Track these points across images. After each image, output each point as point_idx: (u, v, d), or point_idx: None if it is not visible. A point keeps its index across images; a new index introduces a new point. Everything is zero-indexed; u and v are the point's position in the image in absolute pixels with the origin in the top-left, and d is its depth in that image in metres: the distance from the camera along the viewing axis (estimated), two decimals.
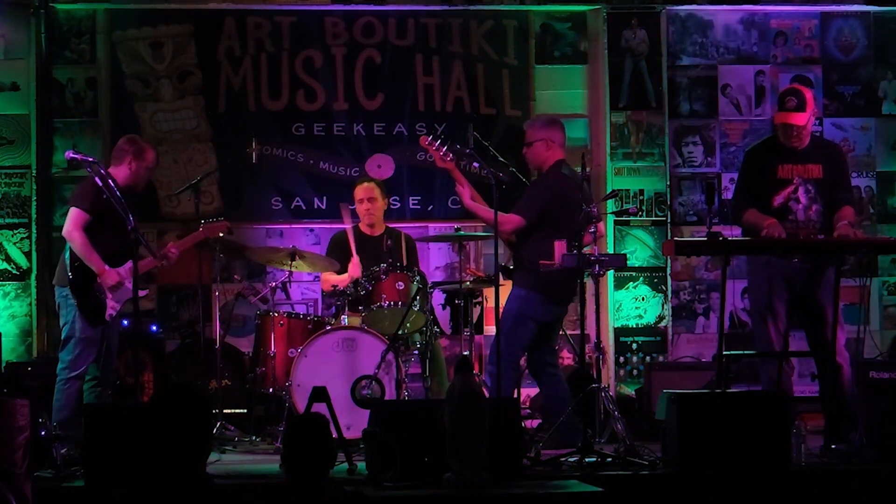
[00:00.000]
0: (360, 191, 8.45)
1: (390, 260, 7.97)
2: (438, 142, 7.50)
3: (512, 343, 7.42)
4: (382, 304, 7.78)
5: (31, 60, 9.35)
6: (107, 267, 7.30)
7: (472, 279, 8.05)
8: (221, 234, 8.00)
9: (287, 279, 8.19)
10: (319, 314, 8.38)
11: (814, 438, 7.18)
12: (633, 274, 9.68)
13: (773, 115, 7.36)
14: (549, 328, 7.71)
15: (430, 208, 9.55)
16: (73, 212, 7.34)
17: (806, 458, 6.76)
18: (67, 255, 7.34)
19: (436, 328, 7.94)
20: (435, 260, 9.51)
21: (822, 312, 7.18)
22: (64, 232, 7.35)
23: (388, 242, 8.25)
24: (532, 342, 7.60)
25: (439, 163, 7.60)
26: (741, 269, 8.89)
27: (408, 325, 7.66)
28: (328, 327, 7.83)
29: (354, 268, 8.13)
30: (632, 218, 9.47)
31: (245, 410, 8.44)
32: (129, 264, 7.34)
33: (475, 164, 7.45)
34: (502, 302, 7.37)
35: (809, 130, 7.27)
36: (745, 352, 8.25)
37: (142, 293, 7.48)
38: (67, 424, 7.03)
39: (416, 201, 9.52)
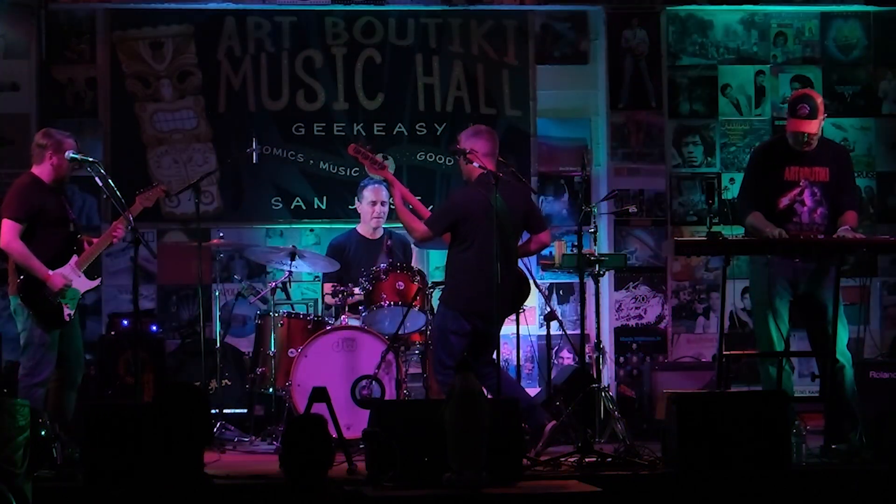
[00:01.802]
0: (372, 193, 8.39)
1: (390, 260, 7.97)
2: (368, 148, 7.51)
3: (444, 357, 7.33)
4: (382, 304, 7.77)
5: (32, 60, 9.36)
6: (50, 272, 7.21)
7: None
8: (160, 198, 7.86)
9: (287, 279, 8.19)
10: (319, 314, 8.38)
11: (814, 438, 7.18)
12: (633, 274, 9.69)
13: (786, 122, 7.32)
14: (475, 342, 7.34)
15: (430, 208, 9.53)
16: (6, 223, 7.21)
17: (806, 458, 6.77)
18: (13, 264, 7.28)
19: None
20: (435, 260, 9.51)
21: (825, 312, 7.18)
22: (2, 245, 7.24)
23: (388, 242, 8.26)
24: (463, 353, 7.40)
25: (371, 170, 7.59)
26: (741, 269, 8.90)
27: (407, 324, 7.66)
28: (328, 327, 7.83)
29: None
30: (632, 218, 9.46)
31: (245, 410, 8.44)
32: (73, 261, 7.32)
33: (475, 165, 7.43)
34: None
35: (819, 133, 7.28)
36: (746, 352, 8.27)
37: (94, 283, 7.44)
38: None
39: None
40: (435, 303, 7.84)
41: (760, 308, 7.36)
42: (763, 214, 7.22)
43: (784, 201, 7.26)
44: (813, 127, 7.18)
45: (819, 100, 7.28)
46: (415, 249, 8.60)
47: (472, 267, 7.24)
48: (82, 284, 7.35)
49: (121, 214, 7.28)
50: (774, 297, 7.25)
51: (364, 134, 9.58)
